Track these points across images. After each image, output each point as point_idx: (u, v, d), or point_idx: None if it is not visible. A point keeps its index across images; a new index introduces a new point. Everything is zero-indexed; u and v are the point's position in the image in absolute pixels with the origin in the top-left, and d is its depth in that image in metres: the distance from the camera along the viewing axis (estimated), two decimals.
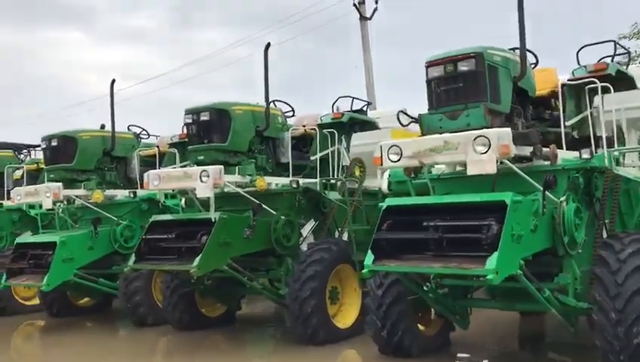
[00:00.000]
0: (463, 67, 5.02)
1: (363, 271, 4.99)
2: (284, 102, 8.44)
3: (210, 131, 7.20)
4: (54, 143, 8.87)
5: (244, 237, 6.80)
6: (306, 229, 7.64)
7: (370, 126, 8.74)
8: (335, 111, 8.53)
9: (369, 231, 7.89)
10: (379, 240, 4.97)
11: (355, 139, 8.79)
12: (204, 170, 6.64)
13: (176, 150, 9.30)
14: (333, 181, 7.84)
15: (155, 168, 9.74)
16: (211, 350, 7.33)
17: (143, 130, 10.24)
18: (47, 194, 8.39)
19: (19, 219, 10.98)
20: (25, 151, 12.20)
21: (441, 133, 4.99)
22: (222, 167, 6.74)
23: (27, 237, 9.05)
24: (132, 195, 9.09)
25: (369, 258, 4.95)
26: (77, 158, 8.94)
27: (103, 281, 8.82)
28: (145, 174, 7.20)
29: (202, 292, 7.96)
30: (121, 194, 9.28)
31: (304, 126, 8.44)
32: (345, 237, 7.75)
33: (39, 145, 12.19)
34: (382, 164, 5.17)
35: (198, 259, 6.30)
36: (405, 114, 5.57)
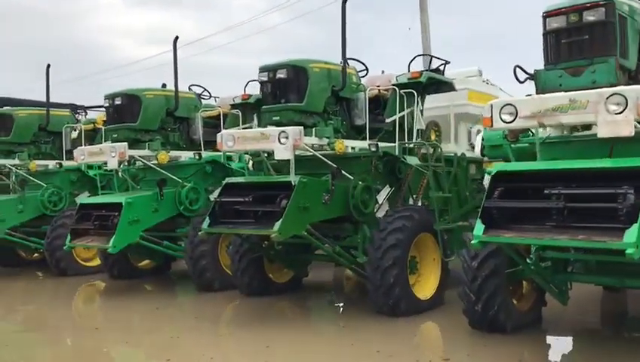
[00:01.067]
0: (589, 17, 4.53)
1: (473, 241, 4.59)
2: (359, 61, 7.97)
3: (286, 90, 6.82)
4: (118, 101, 8.63)
5: (322, 203, 6.46)
6: (382, 196, 7.26)
7: (447, 87, 8.22)
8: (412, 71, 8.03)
9: (448, 200, 7.56)
10: (490, 208, 4.56)
11: (429, 102, 8.34)
12: (283, 131, 6.28)
13: (239, 111, 9.00)
14: (411, 145, 7.41)
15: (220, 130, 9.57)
16: (280, 317, 7.12)
17: (205, 90, 9.93)
18: (112, 154, 8.17)
19: (77, 180, 10.88)
20: (81, 110, 12.04)
21: (560, 92, 4.52)
22: (302, 128, 6.37)
23: (91, 198, 8.92)
24: (197, 157, 8.83)
25: (479, 228, 4.55)
26: (141, 118, 8.70)
27: (167, 244, 8.65)
28: (218, 135, 6.88)
29: (271, 257, 7.72)
30: (185, 155, 9.02)
31: (378, 86, 7.98)
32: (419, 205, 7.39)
33: (97, 106, 12.08)
34: (492, 126, 4.71)
35: (279, 223, 5.99)
36: (521, 69, 5.05)
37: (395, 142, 7.29)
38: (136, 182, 9.42)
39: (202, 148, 9.06)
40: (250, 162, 8.28)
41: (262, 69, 6.93)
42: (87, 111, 12.18)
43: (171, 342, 6.02)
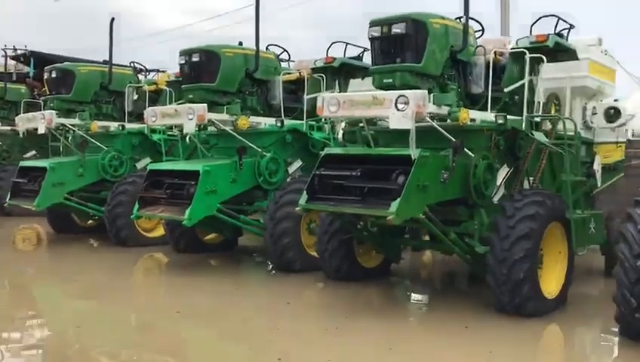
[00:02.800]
0: None
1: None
2: (475, 20, 6.91)
3: (402, 48, 5.85)
4: (195, 58, 7.78)
5: (440, 182, 5.55)
6: (500, 177, 6.31)
7: (570, 55, 7.11)
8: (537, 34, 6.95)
9: (580, 183, 6.57)
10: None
11: (547, 72, 7.27)
12: (402, 95, 5.35)
13: (323, 76, 8.13)
14: (538, 119, 6.41)
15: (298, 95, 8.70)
16: (367, 306, 6.33)
17: (284, 50, 9.02)
18: (189, 116, 7.36)
19: (139, 144, 10.16)
20: (143, 71, 11.26)
21: None
22: (425, 92, 5.44)
23: (162, 164, 8.18)
24: (279, 124, 7.97)
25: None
26: (219, 77, 7.84)
27: (244, 219, 7.87)
28: (319, 98, 6.00)
29: (364, 239, 6.88)
30: (266, 122, 8.18)
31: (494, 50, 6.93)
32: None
33: (157, 70, 11.30)
34: None
35: (396, 203, 5.11)
36: None
37: (518, 115, 6.30)
38: (207, 149, 8.65)
39: (283, 115, 8.20)
40: (340, 133, 7.38)
41: (374, 23, 5.97)
42: (149, 72, 11.39)
43: (273, 335, 5.25)
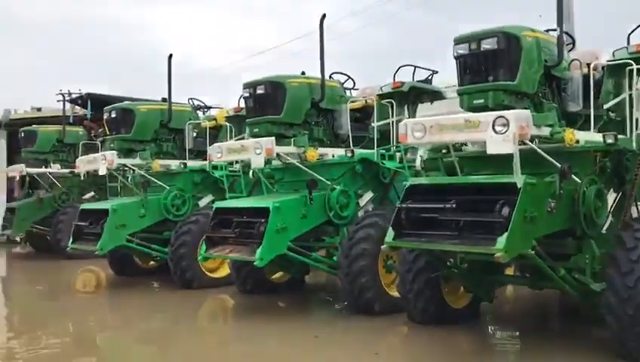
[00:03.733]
0: None
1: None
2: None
3: (494, 65, 5.32)
4: (260, 91, 7.43)
5: (547, 211, 4.92)
6: (608, 202, 5.62)
7: None
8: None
9: None
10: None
11: None
12: (501, 117, 4.79)
13: (392, 101, 7.67)
14: None
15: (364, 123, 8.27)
16: (467, 356, 5.64)
17: (349, 77, 8.62)
18: (257, 151, 6.97)
19: (200, 181, 9.86)
20: (203, 108, 11.05)
21: None
22: (528, 112, 4.88)
23: (229, 202, 7.79)
24: (350, 154, 7.49)
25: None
26: (286, 109, 7.46)
27: (316, 257, 7.37)
28: (401, 124, 5.48)
29: (453, 277, 6.25)
30: (334, 153, 7.71)
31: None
32: None
33: (213, 106, 11.08)
34: None
35: (503, 238, 4.49)
36: None
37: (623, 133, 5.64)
38: (272, 184, 8.24)
39: (351, 145, 7.73)
40: (419, 160, 6.83)
41: (460, 40, 5.46)
42: (208, 108, 11.17)
43: None
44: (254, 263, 6.67)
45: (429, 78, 8.70)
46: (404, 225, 5.30)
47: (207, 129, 9.73)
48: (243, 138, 10.26)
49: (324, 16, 7.51)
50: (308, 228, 7.22)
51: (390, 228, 5.33)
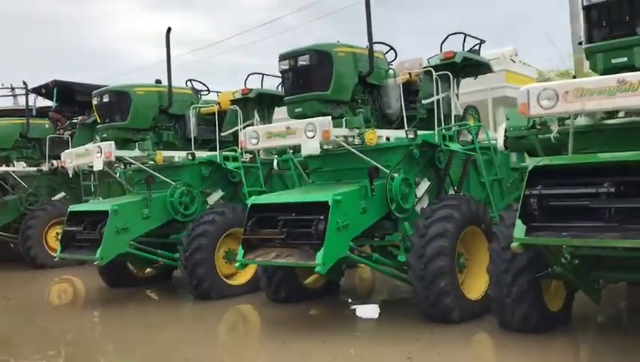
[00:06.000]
0: None
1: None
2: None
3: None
4: (304, 62, 6.21)
5: None
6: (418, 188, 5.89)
7: (484, 69, 7.56)
8: None
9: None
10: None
11: (463, 86, 7.71)
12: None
13: (449, 73, 6.65)
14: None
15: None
16: None
17: (391, 48, 7.45)
18: (310, 134, 5.75)
19: (209, 175, 8.53)
20: (203, 91, 9.65)
21: None
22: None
23: (267, 197, 6.54)
24: (411, 136, 6.37)
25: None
26: (333, 84, 6.28)
27: (377, 257, 6.24)
28: (521, 91, 4.44)
29: (565, 276, 5.26)
30: (393, 135, 6.57)
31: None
32: None
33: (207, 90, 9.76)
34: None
35: None
36: None
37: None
38: (307, 174, 7.07)
39: (406, 125, 6.61)
40: (501, 138, 5.80)
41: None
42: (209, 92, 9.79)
43: None
44: (315, 269, 5.50)
45: (476, 48, 7.71)
46: (536, 217, 4.26)
47: (216, 113, 8.43)
48: (252, 124, 9.06)
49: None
50: (368, 225, 6.08)
51: (519, 221, 4.29)
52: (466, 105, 7.61)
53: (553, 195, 4.23)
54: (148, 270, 9.45)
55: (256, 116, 8.99)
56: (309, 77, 6.24)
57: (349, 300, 7.73)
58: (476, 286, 6.27)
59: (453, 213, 5.96)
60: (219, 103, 9.05)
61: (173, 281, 9.66)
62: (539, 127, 5.26)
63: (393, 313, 6.92)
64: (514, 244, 4.32)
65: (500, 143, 5.79)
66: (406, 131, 6.36)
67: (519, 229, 4.25)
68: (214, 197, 8.56)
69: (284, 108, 9.29)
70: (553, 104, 4.26)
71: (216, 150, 8.50)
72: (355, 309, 7.36)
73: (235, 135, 8.86)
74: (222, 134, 8.69)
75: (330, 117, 5.86)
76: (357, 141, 6.38)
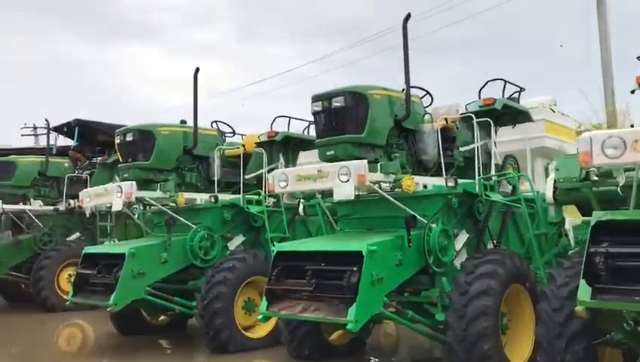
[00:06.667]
0: None
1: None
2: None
3: None
4: (338, 103, 5.89)
5: None
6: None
7: (524, 117, 7.29)
8: None
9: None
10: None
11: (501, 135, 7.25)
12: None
13: (490, 120, 6.32)
14: None
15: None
16: None
17: (427, 93, 7.17)
18: (343, 178, 5.39)
19: (231, 219, 8.16)
20: (229, 133, 9.38)
21: None
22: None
23: (294, 244, 6.14)
24: (451, 184, 5.98)
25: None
26: (368, 127, 5.95)
27: (413, 316, 5.74)
28: (584, 138, 4.06)
29: (613, 344, 4.74)
30: (425, 183, 6.18)
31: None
32: None
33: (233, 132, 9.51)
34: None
35: None
36: None
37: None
38: (336, 221, 6.67)
39: (444, 172, 6.23)
40: (550, 189, 5.40)
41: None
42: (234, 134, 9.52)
43: None
44: (347, 327, 5.03)
45: (515, 95, 7.39)
46: (602, 278, 3.81)
47: (242, 156, 8.13)
48: (277, 167, 8.75)
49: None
50: (404, 279, 5.63)
51: (583, 282, 3.83)
52: (505, 155, 7.23)
53: (621, 254, 3.78)
54: (162, 317, 8.99)
55: (281, 159, 8.68)
56: (343, 119, 5.92)
57: (377, 360, 7.19)
58: (519, 350, 5.77)
59: (497, 269, 5.50)
60: (244, 146, 8.77)
61: (188, 330, 9.18)
62: (596, 178, 4.88)
63: None
64: (579, 308, 3.85)
65: (549, 195, 5.41)
66: (445, 179, 5.97)
67: (584, 291, 3.79)
68: (235, 242, 8.18)
69: (308, 153, 9.17)
70: (620, 153, 3.87)
71: (238, 193, 8.19)
72: None
73: (259, 178, 8.57)
74: (246, 177, 8.36)
75: (366, 160, 5.49)
76: (388, 187, 6.01)
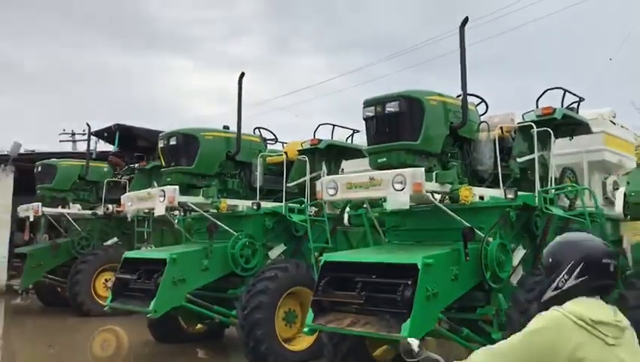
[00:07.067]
0: None
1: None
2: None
3: None
4: (391, 109, 5.64)
5: None
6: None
7: (583, 129, 6.77)
8: None
9: None
10: None
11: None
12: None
13: (549, 130, 5.98)
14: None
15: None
16: None
17: (482, 101, 6.88)
18: (397, 186, 5.13)
19: (272, 227, 7.97)
20: (271, 140, 9.20)
21: None
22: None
23: (342, 254, 5.89)
24: (511, 196, 5.65)
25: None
26: (423, 134, 5.68)
27: (468, 333, 5.43)
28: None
29: None
30: (481, 193, 5.89)
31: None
32: None
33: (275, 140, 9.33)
34: None
35: None
36: None
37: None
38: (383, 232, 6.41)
39: (501, 184, 5.92)
40: (619, 204, 5.07)
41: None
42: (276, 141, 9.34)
43: None
44: (408, 341, 4.73)
45: (573, 106, 7.05)
46: None
47: (285, 162, 7.95)
48: (319, 176, 8.54)
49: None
50: (459, 294, 5.33)
51: None
52: (562, 167, 6.88)
53: None
54: (199, 326, 8.84)
55: (324, 168, 8.48)
56: (397, 125, 5.67)
57: None
58: None
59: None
60: (286, 153, 8.59)
61: (225, 340, 9.01)
62: None
63: None
64: None
65: (619, 209, 5.07)
66: (505, 190, 5.66)
67: None
68: (276, 251, 7.98)
69: (350, 162, 8.93)
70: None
71: (280, 201, 8.00)
72: None
73: (301, 186, 8.38)
74: (288, 185, 8.18)
75: (422, 168, 5.22)
76: (438, 198, 5.74)
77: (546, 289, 2.18)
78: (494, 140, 6.10)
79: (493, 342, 5.35)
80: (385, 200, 5.57)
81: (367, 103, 5.87)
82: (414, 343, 2.33)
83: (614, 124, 7.56)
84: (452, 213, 5.53)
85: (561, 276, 2.12)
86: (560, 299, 2.10)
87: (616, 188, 7.64)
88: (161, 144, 8.01)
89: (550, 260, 2.20)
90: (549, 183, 6.39)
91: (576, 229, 6.48)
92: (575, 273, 2.09)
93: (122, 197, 8.28)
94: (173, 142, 7.85)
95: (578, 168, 7.33)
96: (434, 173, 5.62)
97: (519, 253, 5.93)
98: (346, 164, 9.00)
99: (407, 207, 5.17)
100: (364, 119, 5.92)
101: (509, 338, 2.07)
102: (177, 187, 7.35)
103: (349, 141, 8.86)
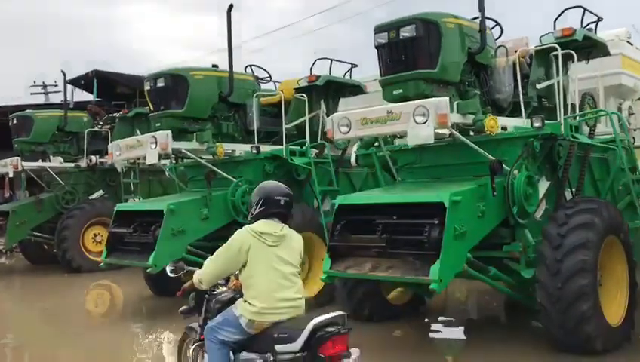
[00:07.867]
0: None
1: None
2: None
3: None
4: (407, 34, 5.10)
5: None
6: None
7: (601, 51, 6.36)
8: None
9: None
10: None
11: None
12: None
13: (572, 53, 5.54)
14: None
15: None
16: None
17: (497, 24, 6.37)
18: (420, 118, 4.64)
19: (273, 171, 7.50)
20: (263, 78, 8.58)
21: None
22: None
23: (359, 196, 5.48)
24: (538, 124, 5.23)
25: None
26: (441, 61, 5.17)
27: (495, 272, 5.12)
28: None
29: None
30: (506, 124, 5.46)
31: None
32: None
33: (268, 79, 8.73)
34: None
35: None
36: None
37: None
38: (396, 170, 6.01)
39: (524, 113, 5.51)
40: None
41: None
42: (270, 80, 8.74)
43: None
44: (431, 287, 4.41)
45: (591, 26, 6.59)
46: None
47: (282, 101, 7.42)
48: (318, 115, 8.07)
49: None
50: (487, 232, 4.99)
51: None
52: (582, 93, 6.47)
53: None
54: None
55: (323, 107, 7.99)
56: (414, 52, 5.16)
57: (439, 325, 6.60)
58: (613, 309, 5.14)
59: (595, 219, 4.85)
60: (282, 92, 8.04)
61: None
62: None
63: (503, 337, 5.78)
64: None
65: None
66: (531, 119, 5.23)
67: None
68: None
69: (348, 100, 8.43)
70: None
71: (278, 144, 7.52)
72: (454, 333, 6.23)
73: (300, 127, 7.90)
74: (286, 126, 7.67)
75: (447, 98, 4.76)
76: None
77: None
78: (515, 66, 5.64)
79: (523, 280, 5.10)
80: (402, 136, 5.15)
81: (380, 29, 5.32)
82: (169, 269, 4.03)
83: (631, 44, 7.15)
84: (476, 147, 5.12)
85: (254, 207, 3.37)
86: (254, 220, 3.35)
87: (631, 113, 7.32)
88: (147, 87, 7.39)
89: (252, 198, 3.43)
90: (570, 111, 5.99)
91: (597, 158, 6.16)
92: (259, 205, 3.33)
93: (109, 146, 7.71)
94: (160, 83, 7.23)
95: (594, 93, 6.96)
96: (455, 104, 5.17)
97: (543, 186, 5.58)
98: (342, 103, 8.51)
99: (432, 141, 4.73)
100: (376, 47, 5.39)
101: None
102: (169, 132, 6.80)
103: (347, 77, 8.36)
